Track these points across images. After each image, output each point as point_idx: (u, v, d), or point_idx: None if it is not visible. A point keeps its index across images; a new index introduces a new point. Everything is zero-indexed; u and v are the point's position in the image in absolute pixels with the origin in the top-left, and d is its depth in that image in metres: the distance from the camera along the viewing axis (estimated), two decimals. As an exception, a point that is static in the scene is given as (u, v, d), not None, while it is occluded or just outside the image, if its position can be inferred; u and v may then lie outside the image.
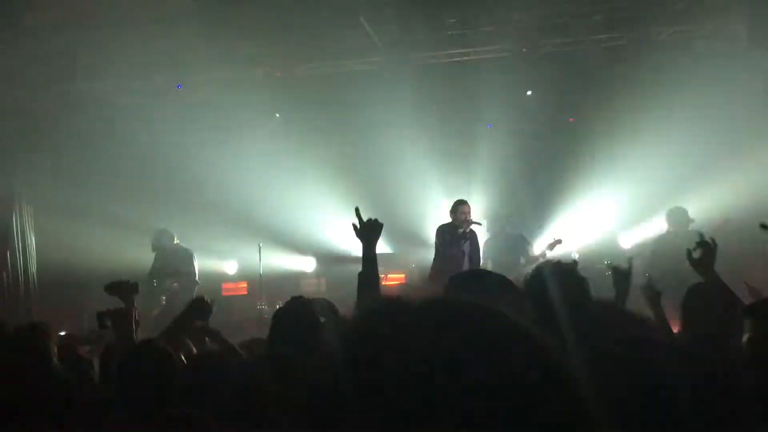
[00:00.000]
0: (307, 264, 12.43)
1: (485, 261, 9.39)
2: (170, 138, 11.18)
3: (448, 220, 8.81)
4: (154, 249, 10.20)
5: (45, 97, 10.62)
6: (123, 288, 4.10)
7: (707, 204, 9.64)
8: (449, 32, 10.10)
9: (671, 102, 9.65)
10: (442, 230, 8.72)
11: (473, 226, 8.79)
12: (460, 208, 8.66)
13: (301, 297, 4.02)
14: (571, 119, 11.67)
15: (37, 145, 11.36)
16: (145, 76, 10.77)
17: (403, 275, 11.29)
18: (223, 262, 12.16)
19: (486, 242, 9.72)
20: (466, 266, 8.56)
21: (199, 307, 4.32)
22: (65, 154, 11.34)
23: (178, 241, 10.26)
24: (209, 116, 11.47)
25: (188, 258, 10.11)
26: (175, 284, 9.94)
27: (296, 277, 12.22)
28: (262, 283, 11.22)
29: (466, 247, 8.69)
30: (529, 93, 11.00)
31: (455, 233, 8.61)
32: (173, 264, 10.02)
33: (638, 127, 10.21)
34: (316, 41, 9.99)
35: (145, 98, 11.00)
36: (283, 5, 8.95)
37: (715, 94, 9.40)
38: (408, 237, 11.43)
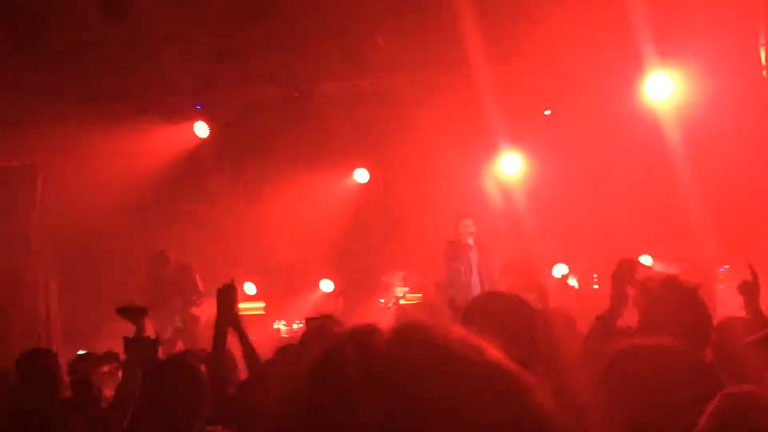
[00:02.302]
0: (324, 284, 12.42)
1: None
2: (187, 158, 11.26)
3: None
4: (151, 274, 10.22)
5: (65, 114, 10.69)
6: (133, 312, 4.11)
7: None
8: (465, 49, 10.08)
9: (687, 121, 9.63)
10: (448, 245, 8.91)
11: None
12: (463, 222, 8.86)
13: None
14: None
15: (56, 161, 11.44)
16: (161, 97, 10.84)
17: (420, 295, 11.26)
18: (241, 282, 12.17)
19: (500, 270, 9.86)
20: (474, 279, 8.71)
21: (224, 296, 4.33)
22: (85, 173, 11.39)
23: (173, 260, 10.30)
24: (227, 136, 11.53)
25: (187, 273, 10.15)
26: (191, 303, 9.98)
27: (314, 297, 12.21)
28: (280, 303, 11.24)
29: (474, 260, 8.79)
30: (547, 112, 10.98)
31: (460, 246, 8.77)
32: (175, 283, 10.05)
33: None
34: (331, 60, 10.02)
35: (164, 117, 11.07)
36: (299, 24, 9.00)
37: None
38: (426, 255, 11.40)
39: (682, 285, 3.20)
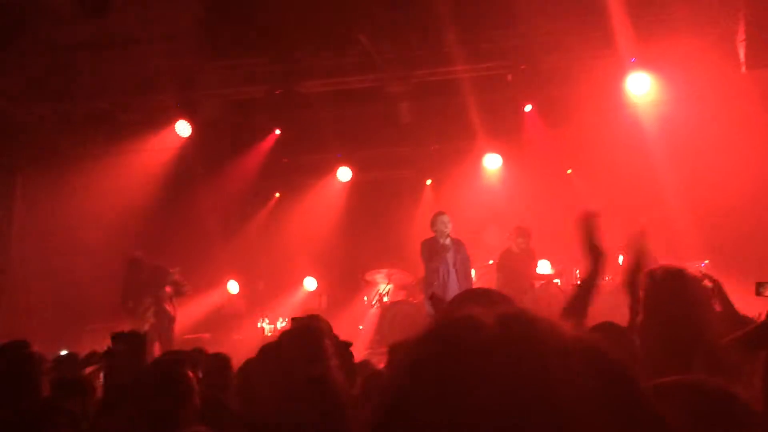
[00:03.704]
0: (308, 282, 12.40)
1: (497, 278, 9.58)
2: (168, 158, 11.20)
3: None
4: (126, 278, 10.20)
5: (44, 115, 10.60)
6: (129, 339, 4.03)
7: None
8: (448, 49, 10.12)
9: (667, 118, 9.71)
10: (425, 245, 8.87)
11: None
12: (438, 219, 8.81)
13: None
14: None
15: (36, 163, 11.32)
16: (145, 95, 10.76)
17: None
18: (224, 280, 12.14)
19: (499, 258, 9.84)
20: (452, 277, 8.68)
21: None
22: (65, 173, 11.29)
23: (147, 262, 10.29)
24: (210, 135, 11.47)
25: (162, 273, 10.13)
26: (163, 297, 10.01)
27: (297, 295, 12.20)
28: (263, 302, 11.22)
29: (450, 258, 8.76)
30: (528, 108, 11.01)
31: (437, 246, 8.72)
32: (150, 283, 10.03)
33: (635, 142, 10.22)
34: (315, 59, 10.01)
35: (145, 117, 10.99)
36: (283, 22, 8.98)
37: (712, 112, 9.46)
38: (409, 254, 11.42)
39: (685, 276, 3.16)
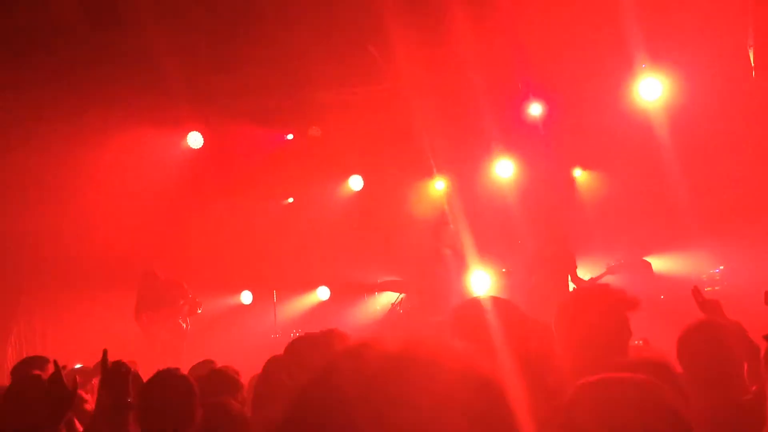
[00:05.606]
0: (320, 292, 12.39)
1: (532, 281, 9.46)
2: (182, 169, 11.26)
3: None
4: (140, 291, 10.20)
5: (57, 128, 10.67)
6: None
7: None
8: (457, 55, 10.13)
9: (678, 122, 9.68)
10: (427, 253, 8.92)
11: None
12: (442, 229, 8.93)
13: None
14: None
15: (49, 173, 11.38)
16: (157, 108, 10.82)
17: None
18: (238, 291, 12.17)
19: (531, 257, 9.65)
20: (456, 286, 8.69)
21: None
22: (78, 185, 11.35)
23: (162, 276, 10.31)
24: (222, 146, 11.52)
25: (177, 288, 10.14)
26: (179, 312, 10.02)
27: (310, 305, 12.20)
28: (277, 312, 11.23)
29: (452, 267, 8.83)
30: (538, 111, 10.95)
31: (439, 255, 8.79)
32: (162, 297, 10.03)
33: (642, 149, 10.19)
34: (325, 68, 10.05)
35: (157, 129, 11.05)
36: (292, 34, 9.03)
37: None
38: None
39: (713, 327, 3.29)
